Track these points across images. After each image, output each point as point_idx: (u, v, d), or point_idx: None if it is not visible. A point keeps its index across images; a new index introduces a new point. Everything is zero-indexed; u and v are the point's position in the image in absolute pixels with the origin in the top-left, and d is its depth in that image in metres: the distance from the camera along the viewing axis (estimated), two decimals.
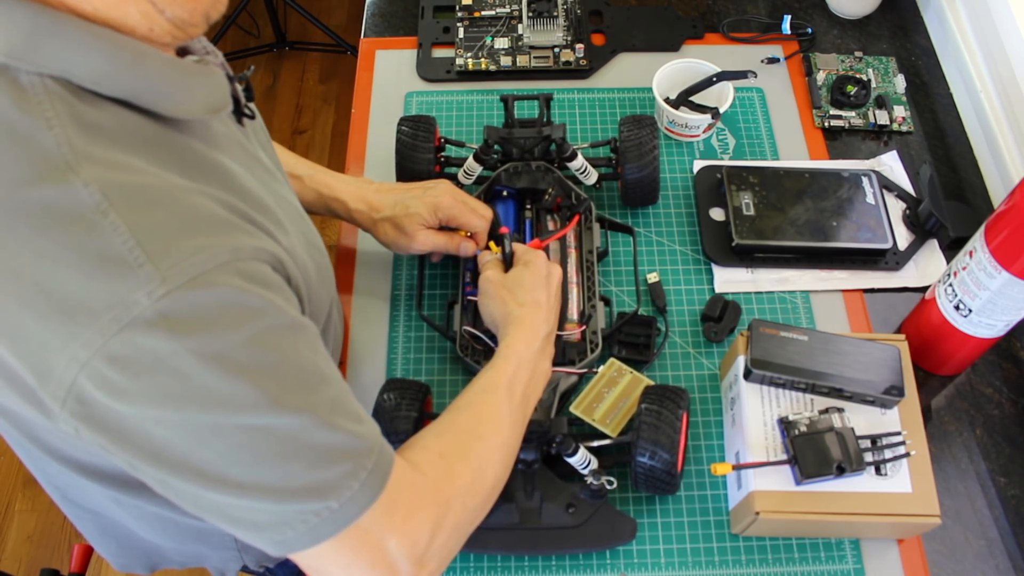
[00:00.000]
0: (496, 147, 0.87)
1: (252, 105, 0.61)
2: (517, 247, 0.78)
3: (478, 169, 0.88)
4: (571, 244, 0.86)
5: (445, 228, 0.81)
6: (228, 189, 0.51)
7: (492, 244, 0.81)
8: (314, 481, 0.48)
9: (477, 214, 0.80)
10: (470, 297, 0.81)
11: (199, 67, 0.51)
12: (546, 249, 0.82)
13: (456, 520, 0.57)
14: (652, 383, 0.76)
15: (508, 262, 0.78)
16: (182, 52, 0.55)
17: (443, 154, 0.90)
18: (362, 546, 0.51)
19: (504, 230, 0.80)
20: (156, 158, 0.47)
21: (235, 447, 0.47)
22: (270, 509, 0.48)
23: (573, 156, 0.87)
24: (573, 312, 0.82)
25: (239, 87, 0.58)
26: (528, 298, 0.72)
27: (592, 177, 0.90)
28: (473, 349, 0.81)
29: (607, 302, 0.86)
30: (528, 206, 0.87)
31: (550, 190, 0.85)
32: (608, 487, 0.71)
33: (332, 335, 0.74)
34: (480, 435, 0.62)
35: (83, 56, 0.44)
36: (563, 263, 0.84)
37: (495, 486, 0.62)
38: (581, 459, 0.71)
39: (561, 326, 0.79)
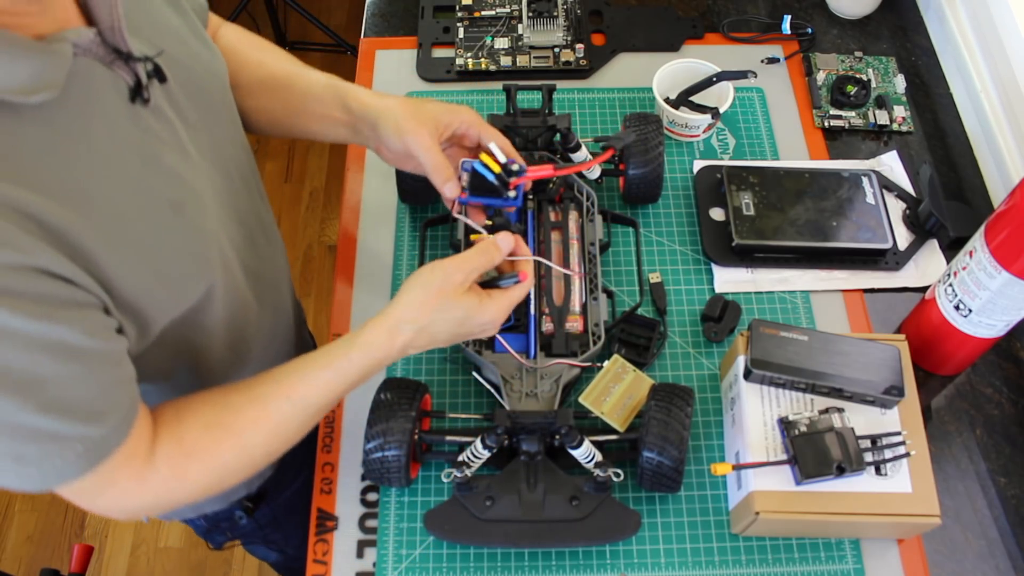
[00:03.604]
0: None
1: (158, 89, 0.59)
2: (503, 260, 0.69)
3: None
4: (573, 236, 0.85)
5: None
6: (16, 183, 0.49)
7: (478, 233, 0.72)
8: (14, 451, 0.53)
9: (497, 132, 0.76)
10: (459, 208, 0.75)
11: (29, 43, 0.48)
12: (546, 239, 0.81)
13: (182, 497, 0.64)
14: (655, 382, 0.76)
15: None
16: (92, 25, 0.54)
17: None
18: (88, 501, 0.60)
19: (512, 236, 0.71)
20: None
21: None
22: None
23: (578, 147, 0.87)
24: (575, 304, 0.82)
25: (142, 68, 0.56)
26: (424, 323, 0.65)
27: (595, 171, 0.90)
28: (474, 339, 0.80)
29: (610, 295, 0.86)
30: (530, 196, 0.87)
31: (553, 180, 0.85)
32: (615, 479, 0.71)
33: (237, 321, 0.72)
34: (237, 434, 0.64)
35: None
36: (565, 254, 0.84)
37: (241, 474, 0.66)
38: (585, 452, 0.71)
39: (563, 319, 0.79)
